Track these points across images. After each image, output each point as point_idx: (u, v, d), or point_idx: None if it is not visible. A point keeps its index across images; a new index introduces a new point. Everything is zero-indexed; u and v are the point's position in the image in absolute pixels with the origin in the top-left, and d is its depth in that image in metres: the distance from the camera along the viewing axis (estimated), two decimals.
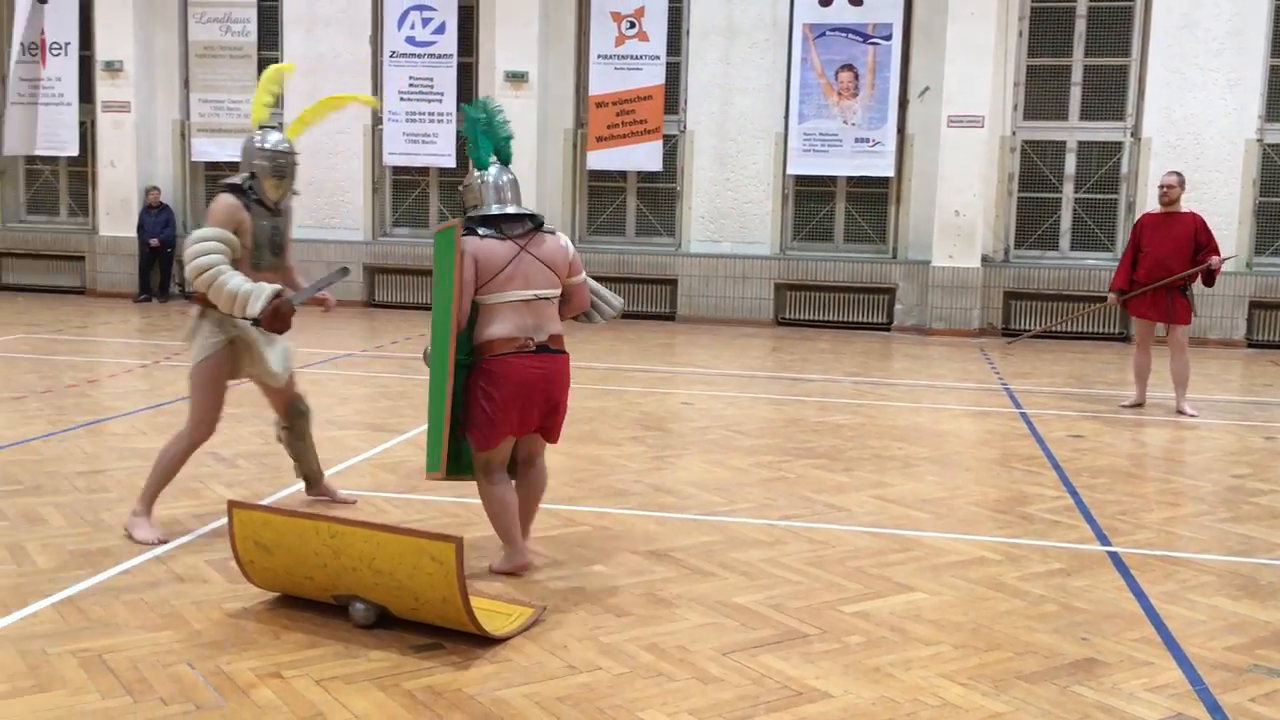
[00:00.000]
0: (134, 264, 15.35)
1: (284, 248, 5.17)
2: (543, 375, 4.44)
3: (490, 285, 4.36)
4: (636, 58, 14.53)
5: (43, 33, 15.59)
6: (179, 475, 5.73)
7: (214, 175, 15.90)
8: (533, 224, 4.52)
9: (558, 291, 4.55)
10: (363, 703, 3.34)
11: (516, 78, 14.51)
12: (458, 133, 14.90)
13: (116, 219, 15.47)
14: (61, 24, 15.57)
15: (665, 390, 9.44)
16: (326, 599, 4.03)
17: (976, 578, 4.68)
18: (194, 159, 15.65)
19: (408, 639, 3.82)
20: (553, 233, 4.59)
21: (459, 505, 5.54)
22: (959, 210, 13.88)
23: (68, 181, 16.32)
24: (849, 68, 14.18)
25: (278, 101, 5.62)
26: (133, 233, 15.30)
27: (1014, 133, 14.29)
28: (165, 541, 4.82)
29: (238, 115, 15.34)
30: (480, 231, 4.41)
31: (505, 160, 4.65)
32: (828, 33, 14.18)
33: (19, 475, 5.90)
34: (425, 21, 14.90)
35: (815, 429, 7.86)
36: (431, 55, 14.91)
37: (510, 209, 4.49)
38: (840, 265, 14.50)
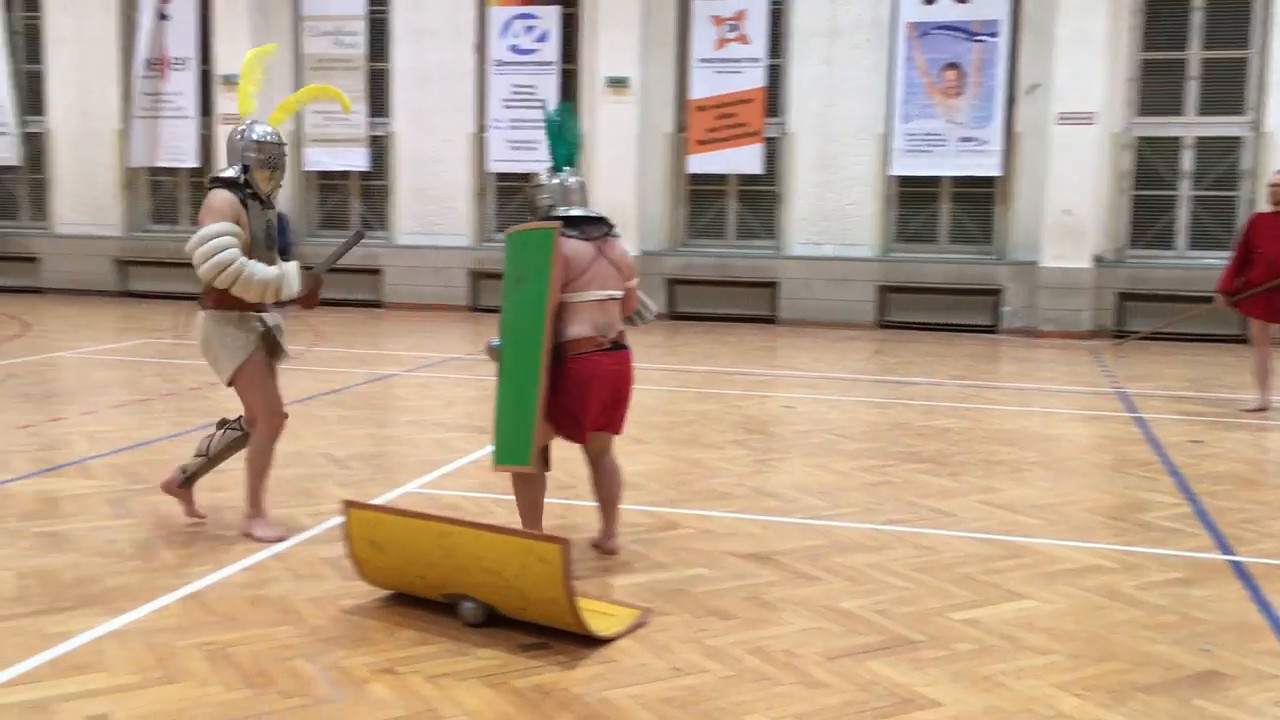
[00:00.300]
0: None
1: (275, 240, 5.08)
2: (616, 371, 4.63)
3: (574, 285, 4.51)
4: (737, 61, 14.51)
5: (165, 48, 16.22)
6: (292, 475, 5.91)
7: (326, 185, 16.35)
8: (607, 227, 4.69)
9: (622, 293, 4.71)
10: (473, 700, 3.41)
11: (618, 83, 14.61)
12: None
13: None
14: (182, 40, 16.18)
15: (767, 393, 9.41)
16: (437, 597, 4.12)
17: (1091, 586, 4.57)
18: (306, 168, 16.12)
19: (515, 638, 3.88)
20: (618, 236, 4.76)
21: (564, 506, 5.60)
22: (1069, 209, 13.55)
23: (188, 192, 16.94)
24: (954, 66, 13.95)
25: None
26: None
27: (1127, 129, 13.89)
28: (284, 539, 4.98)
29: (349, 125, 15.76)
30: (566, 232, 4.51)
31: (571, 164, 4.79)
32: (932, 31, 13.98)
33: (145, 474, 6.14)
34: (528, 30, 15.10)
35: (920, 433, 7.75)
36: (534, 63, 15.10)
37: (576, 211, 4.64)
38: (945, 267, 14.27)
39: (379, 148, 16.06)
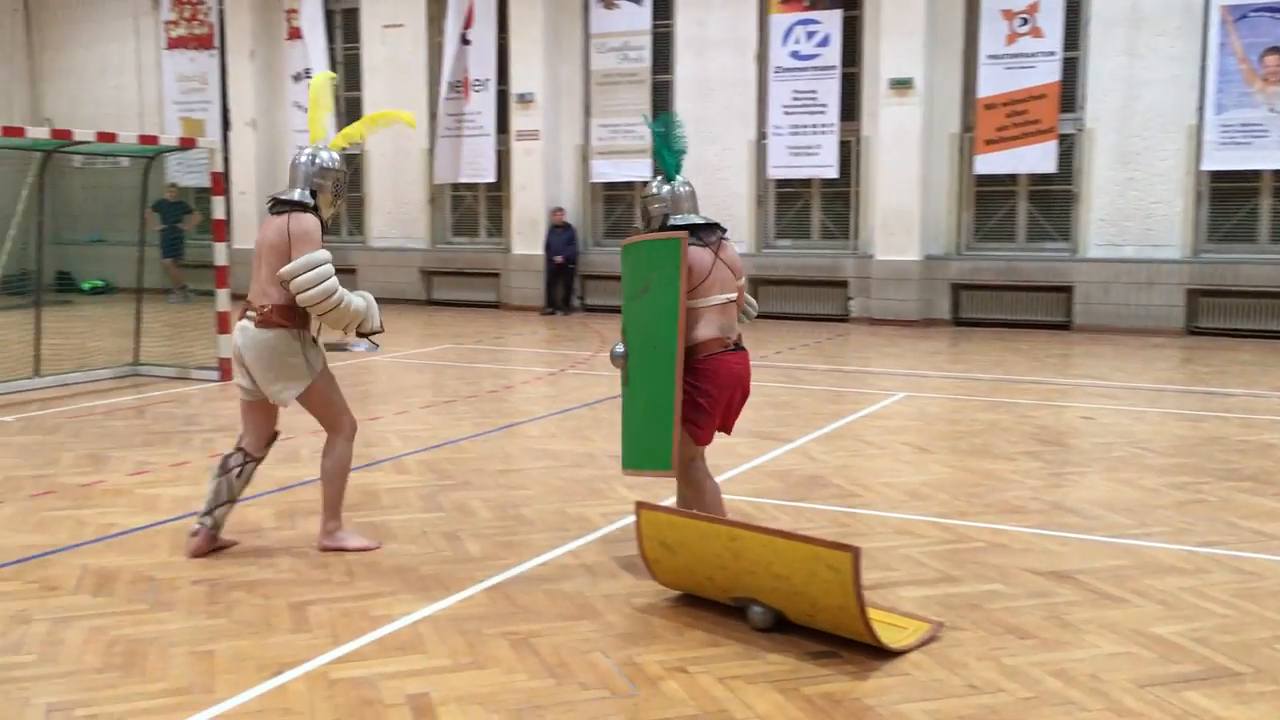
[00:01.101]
0: (541, 280, 16.64)
1: None
2: (740, 371, 4.69)
3: (698, 291, 4.58)
4: (1029, 55, 13.88)
5: (466, 71, 17.29)
6: (584, 475, 6.13)
7: (611, 195, 16.91)
8: (721, 232, 4.77)
9: (736, 294, 4.76)
10: (763, 703, 3.43)
11: (901, 85, 14.30)
12: (841, 143, 14.92)
13: (526, 239, 16.85)
14: (482, 62, 17.19)
15: (1062, 403, 8.94)
16: (725, 600, 4.17)
17: None
18: (593, 180, 16.74)
19: (804, 645, 3.88)
20: (729, 239, 4.85)
21: (848, 515, 5.55)
22: None
23: (485, 205, 17.99)
24: (1276, 50, 12.77)
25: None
26: (540, 251, 16.60)
27: None
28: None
29: (633, 138, 16.25)
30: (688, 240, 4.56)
31: (680, 171, 4.84)
32: (1251, 14, 12.85)
33: (452, 471, 6.57)
34: (809, 35, 15.04)
35: (1239, 448, 7.14)
36: (815, 68, 15.02)
37: (695, 218, 4.73)
38: (1267, 268, 13.06)
39: None
